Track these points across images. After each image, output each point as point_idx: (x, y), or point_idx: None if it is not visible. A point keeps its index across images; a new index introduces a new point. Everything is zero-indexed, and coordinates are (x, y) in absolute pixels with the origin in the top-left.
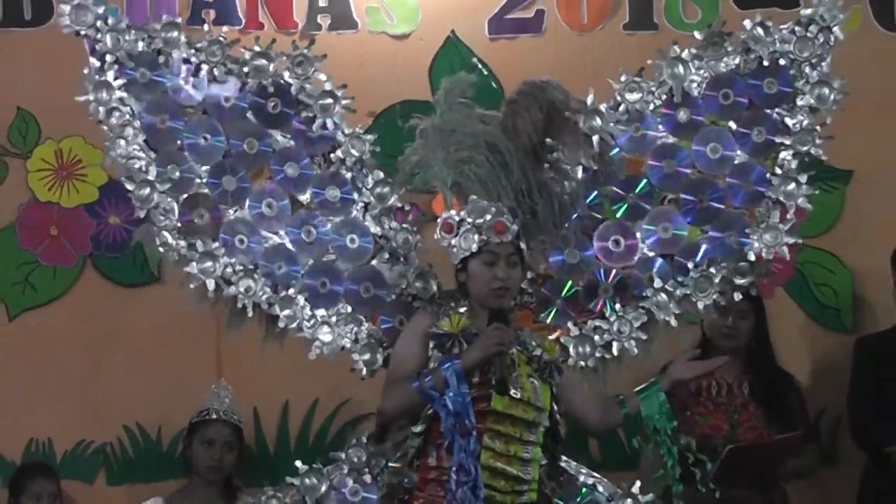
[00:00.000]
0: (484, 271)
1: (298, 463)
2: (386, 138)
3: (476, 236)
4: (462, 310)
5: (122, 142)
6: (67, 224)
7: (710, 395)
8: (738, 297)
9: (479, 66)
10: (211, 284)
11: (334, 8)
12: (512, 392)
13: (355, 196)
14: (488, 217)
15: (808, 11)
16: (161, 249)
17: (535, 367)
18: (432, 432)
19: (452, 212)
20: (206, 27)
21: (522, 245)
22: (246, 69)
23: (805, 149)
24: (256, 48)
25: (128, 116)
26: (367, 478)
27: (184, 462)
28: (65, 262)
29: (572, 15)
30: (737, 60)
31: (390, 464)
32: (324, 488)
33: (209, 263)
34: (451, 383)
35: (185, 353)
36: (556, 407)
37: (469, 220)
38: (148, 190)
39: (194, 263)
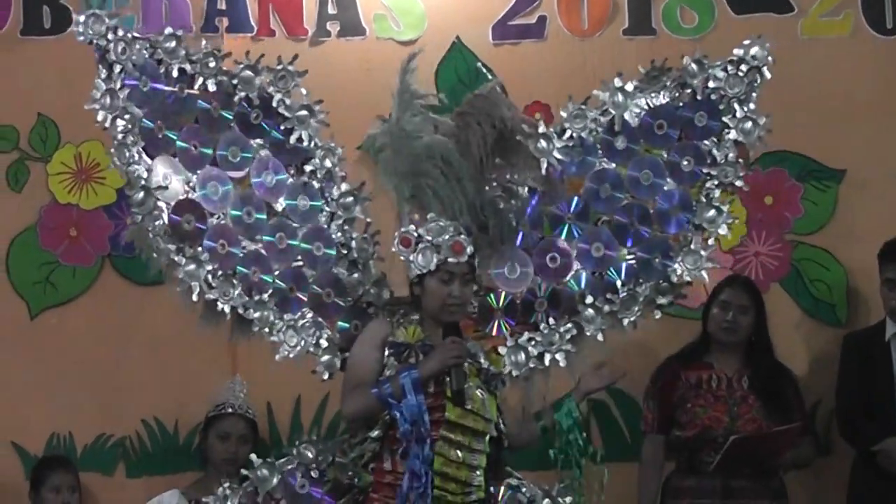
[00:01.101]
0: (440, 288)
1: (253, 456)
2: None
3: (434, 255)
4: (414, 318)
5: (122, 148)
6: (86, 225)
7: (709, 387)
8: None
9: (484, 70)
10: (196, 288)
11: (343, 15)
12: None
13: (323, 205)
14: (446, 237)
15: (740, 51)
16: (154, 254)
17: (483, 378)
18: (389, 438)
19: (411, 227)
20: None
21: (476, 263)
22: (235, 81)
23: (728, 180)
24: (245, 61)
25: (129, 125)
26: (315, 473)
27: (200, 455)
28: (84, 262)
29: (573, 21)
30: (674, 94)
31: (337, 459)
32: (275, 481)
33: (193, 267)
34: (408, 392)
35: (201, 349)
36: (501, 417)
37: (428, 238)
38: (143, 194)
39: (181, 267)
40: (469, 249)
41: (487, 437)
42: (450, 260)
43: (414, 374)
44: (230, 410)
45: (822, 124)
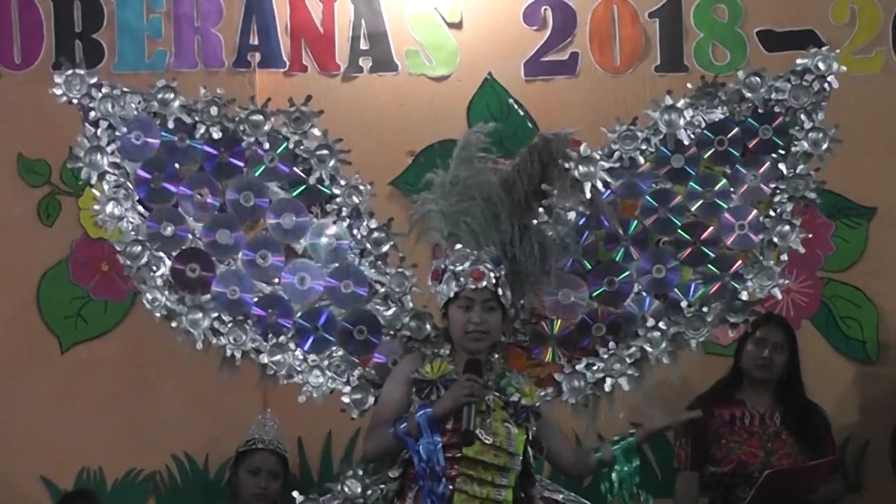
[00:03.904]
0: (460, 316)
1: (295, 493)
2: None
3: (454, 282)
4: (443, 352)
5: (113, 203)
6: (118, 260)
7: (743, 424)
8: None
9: (515, 106)
10: (200, 336)
11: (375, 51)
12: (484, 438)
13: (351, 243)
14: (467, 265)
15: (804, 61)
16: (148, 306)
17: (512, 412)
18: (409, 475)
19: (440, 259)
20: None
21: (501, 291)
22: (242, 126)
23: (800, 193)
24: (252, 106)
25: (120, 179)
26: None
27: (230, 490)
28: (115, 297)
29: (605, 57)
30: (732, 108)
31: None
32: None
33: (199, 316)
34: (423, 430)
35: (232, 384)
36: (530, 451)
37: (451, 267)
38: (139, 248)
39: (182, 317)
40: (490, 276)
41: (513, 473)
42: (468, 286)
43: (428, 413)
44: (261, 446)
45: (853, 162)
